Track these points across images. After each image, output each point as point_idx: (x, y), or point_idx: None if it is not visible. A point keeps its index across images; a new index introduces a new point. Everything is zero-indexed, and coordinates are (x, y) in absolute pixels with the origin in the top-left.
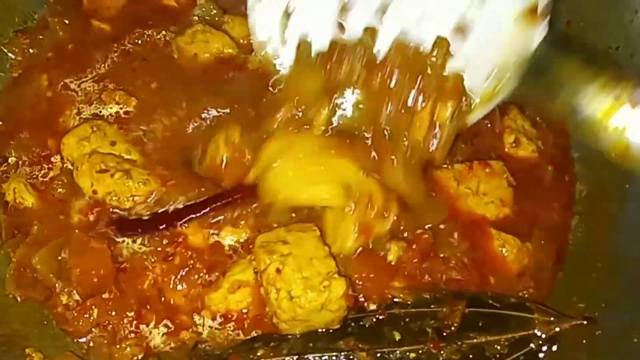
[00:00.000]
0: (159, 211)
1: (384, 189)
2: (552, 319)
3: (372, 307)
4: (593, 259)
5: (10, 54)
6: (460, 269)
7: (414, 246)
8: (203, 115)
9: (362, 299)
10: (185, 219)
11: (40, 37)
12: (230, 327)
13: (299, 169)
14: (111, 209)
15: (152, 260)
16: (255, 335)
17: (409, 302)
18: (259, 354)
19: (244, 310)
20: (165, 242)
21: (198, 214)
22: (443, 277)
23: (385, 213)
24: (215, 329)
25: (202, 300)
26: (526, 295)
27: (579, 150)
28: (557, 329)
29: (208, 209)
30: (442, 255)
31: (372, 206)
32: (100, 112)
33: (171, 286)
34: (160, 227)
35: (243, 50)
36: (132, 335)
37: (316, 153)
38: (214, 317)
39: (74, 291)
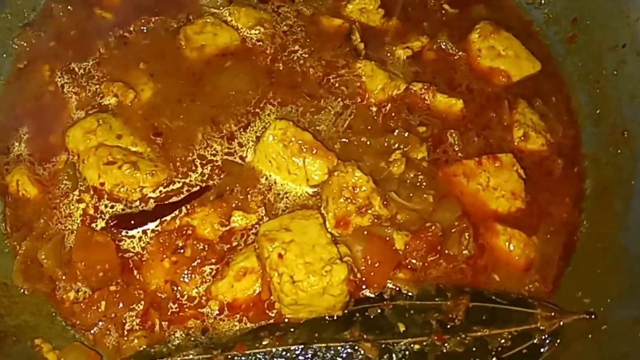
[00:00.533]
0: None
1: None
2: (553, 314)
3: (371, 295)
4: (598, 255)
5: (15, 46)
6: (457, 273)
7: (422, 236)
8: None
9: (364, 287)
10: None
11: (45, 26)
12: (236, 316)
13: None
14: (112, 203)
15: (162, 252)
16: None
17: (412, 294)
18: (264, 343)
19: (255, 293)
20: (174, 234)
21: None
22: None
23: (363, 209)
24: (221, 319)
25: (209, 290)
26: (532, 290)
27: (585, 147)
28: (560, 324)
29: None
30: (447, 251)
31: (353, 200)
32: (100, 103)
33: (181, 278)
34: (155, 219)
35: (247, 41)
36: (140, 326)
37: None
38: (222, 306)
39: (80, 285)
